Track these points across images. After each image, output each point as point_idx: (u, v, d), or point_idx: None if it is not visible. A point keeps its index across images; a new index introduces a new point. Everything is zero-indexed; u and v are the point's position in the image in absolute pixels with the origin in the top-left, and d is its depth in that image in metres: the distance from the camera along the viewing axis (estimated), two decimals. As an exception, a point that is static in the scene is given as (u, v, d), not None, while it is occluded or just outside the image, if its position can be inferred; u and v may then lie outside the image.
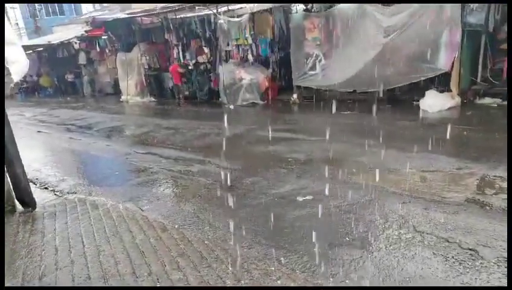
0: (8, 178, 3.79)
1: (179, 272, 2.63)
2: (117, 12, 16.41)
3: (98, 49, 15.37)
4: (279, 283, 2.48)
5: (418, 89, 7.82)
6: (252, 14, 9.86)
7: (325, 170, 4.40)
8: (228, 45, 10.39)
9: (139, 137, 7.64)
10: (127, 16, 12.67)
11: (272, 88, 10.22)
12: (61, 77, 18.46)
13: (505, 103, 6.83)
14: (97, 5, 29.88)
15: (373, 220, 3.29)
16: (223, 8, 10.16)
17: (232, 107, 10.02)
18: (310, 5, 9.36)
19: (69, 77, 17.84)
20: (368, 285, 2.47)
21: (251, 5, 9.81)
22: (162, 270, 2.67)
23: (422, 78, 7.51)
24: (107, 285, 2.55)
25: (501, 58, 7.14)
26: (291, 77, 9.52)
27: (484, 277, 2.43)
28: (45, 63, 19.26)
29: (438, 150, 4.83)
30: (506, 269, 2.45)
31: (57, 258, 2.93)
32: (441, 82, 7.62)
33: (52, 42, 17.05)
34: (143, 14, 11.95)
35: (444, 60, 7.22)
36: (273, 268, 2.66)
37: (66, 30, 19.99)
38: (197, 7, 10.25)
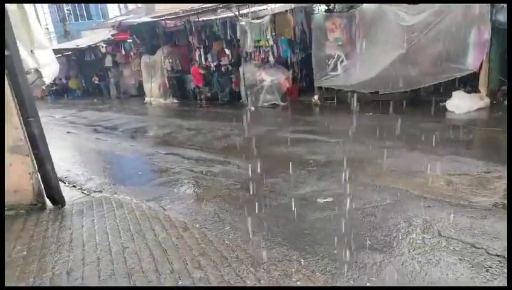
0: (39, 176, 3.96)
1: (200, 270, 2.68)
2: (142, 16, 16.86)
3: (123, 52, 15.85)
4: (299, 284, 2.48)
5: (444, 90, 7.58)
6: (274, 15, 9.88)
7: (346, 172, 4.35)
8: (249, 46, 10.46)
9: (162, 138, 7.81)
10: (151, 19, 12.99)
11: (292, 89, 10.20)
12: (89, 80, 19.14)
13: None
14: (123, 10, 30.81)
15: (396, 223, 3.23)
16: (244, 10, 10.24)
17: (253, 108, 10.06)
18: (331, 6, 9.28)
19: (96, 80, 18.46)
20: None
21: (272, 6, 9.84)
22: (184, 268, 2.72)
23: (449, 79, 7.29)
24: (131, 281, 2.63)
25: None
26: (313, 78, 9.46)
27: (513, 284, 2.34)
28: (73, 66, 20.02)
29: (465, 152, 4.68)
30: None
31: (84, 254, 3.04)
32: (469, 82, 7.37)
33: (81, 46, 17.73)
34: (167, 17, 12.22)
35: (472, 60, 6.97)
36: (293, 269, 2.66)
37: (94, 34, 20.73)
38: (219, 10, 10.38)
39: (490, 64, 6.96)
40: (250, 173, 4.83)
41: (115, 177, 5.45)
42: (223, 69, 11.61)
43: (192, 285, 2.53)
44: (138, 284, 2.59)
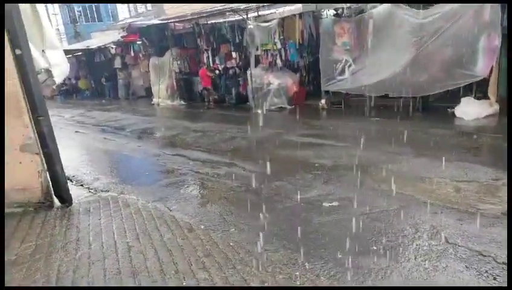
0: (48, 175, 4.01)
1: (205, 271, 2.68)
2: (151, 18, 17.03)
3: (132, 53, 16.00)
4: (303, 288, 2.47)
5: (453, 96, 7.52)
6: (282, 19, 9.90)
7: (352, 177, 4.33)
8: (257, 50, 10.49)
9: (169, 139, 7.86)
10: (160, 22, 13.11)
11: (300, 93, 10.19)
12: (98, 80, 19.33)
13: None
14: (133, 12, 31.14)
15: (402, 229, 3.20)
16: (253, 13, 10.28)
17: (259, 111, 10.07)
18: (340, 10, 9.28)
19: (105, 80, 18.66)
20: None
21: (281, 10, 9.86)
22: (189, 269, 2.73)
23: (458, 86, 7.22)
24: (136, 281, 2.64)
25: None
26: (320, 82, 9.45)
27: (522, 294, 2.30)
28: (83, 67, 20.24)
29: (474, 159, 4.63)
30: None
31: (90, 253, 3.07)
32: (479, 88, 7.30)
33: (91, 47, 17.94)
34: (176, 20, 12.32)
35: (482, 66, 6.90)
36: (297, 273, 2.65)
37: (104, 36, 20.98)
38: (227, 13, 10.44)
39: (500, 71, 6.89)
40: (256, 175, 4.83)
41: (122, 177, 5.49)
42: (230, 71, 11.66)
43: (197, 285, 2.53)
44: (143, 284, 2.60)
